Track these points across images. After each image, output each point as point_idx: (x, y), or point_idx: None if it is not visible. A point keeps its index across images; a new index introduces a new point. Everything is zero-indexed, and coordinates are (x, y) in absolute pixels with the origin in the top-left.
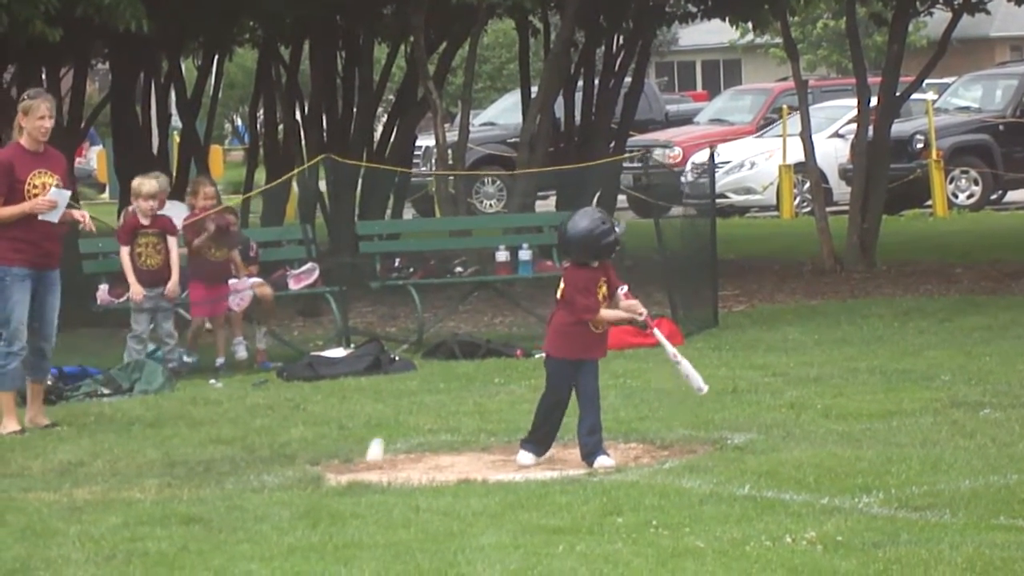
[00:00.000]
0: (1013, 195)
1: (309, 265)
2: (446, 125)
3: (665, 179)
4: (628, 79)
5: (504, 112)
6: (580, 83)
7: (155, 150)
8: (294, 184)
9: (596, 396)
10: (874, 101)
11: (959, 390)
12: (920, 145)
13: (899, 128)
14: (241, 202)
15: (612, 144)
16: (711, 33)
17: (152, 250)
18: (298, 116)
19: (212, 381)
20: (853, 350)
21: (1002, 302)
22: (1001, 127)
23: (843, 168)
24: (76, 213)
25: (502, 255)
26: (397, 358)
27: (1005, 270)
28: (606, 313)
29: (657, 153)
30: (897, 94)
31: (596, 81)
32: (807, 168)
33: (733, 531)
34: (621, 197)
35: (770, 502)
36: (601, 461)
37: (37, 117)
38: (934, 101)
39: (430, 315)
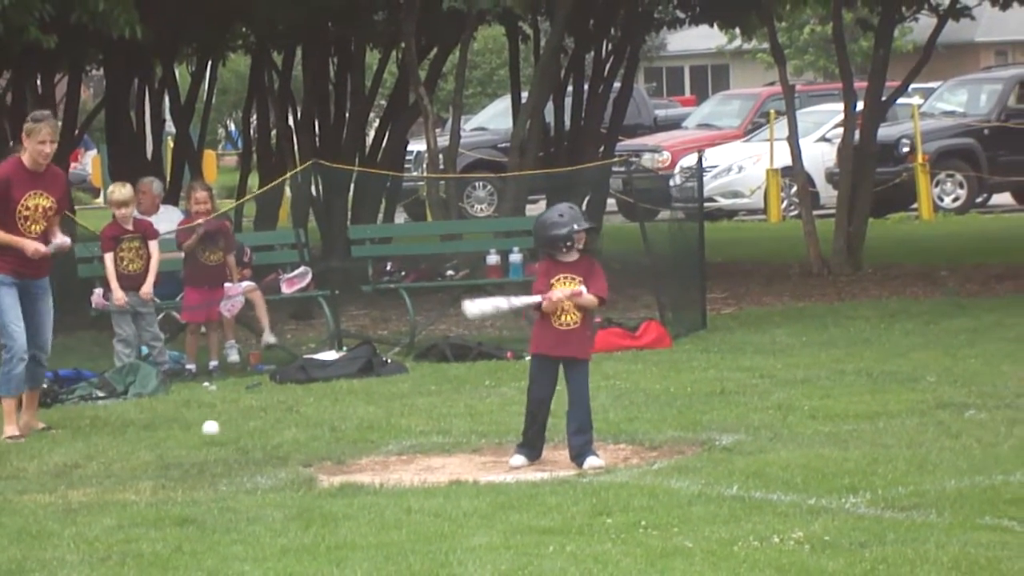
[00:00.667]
0: (998, 198)
1: (302, 269)
2: (437, 130)
3: (653, 183)
4: (617, 84)
5: (495, 117)
6: (570, 88)
7: (149, 155)
8: (287, 188)
9: (584, 397)
10: (860, 105)
11: (944, 391)
12: (906, 149)
13: (885, 132)
14: (235, 208)
15: (601, 149)
16: (699, 39)
17: (134, 255)
18: (291, 121)
19: (206, 384)
20: (840, 352)
21: (987, 304)
22: (986, 131)
23: (830, 172)
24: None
25: (493, 258)
26: (389, 361)
27: (990, 272)
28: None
29: (646, 157)
30: (883, 98)
31: (585, 86)
32: (794, 172)
33: (721, 531)
34: (610, 201)
35: (758, 502)
36: (591, 462)
37: (38, 141)
38: (920, 105)
39: (422, 318)
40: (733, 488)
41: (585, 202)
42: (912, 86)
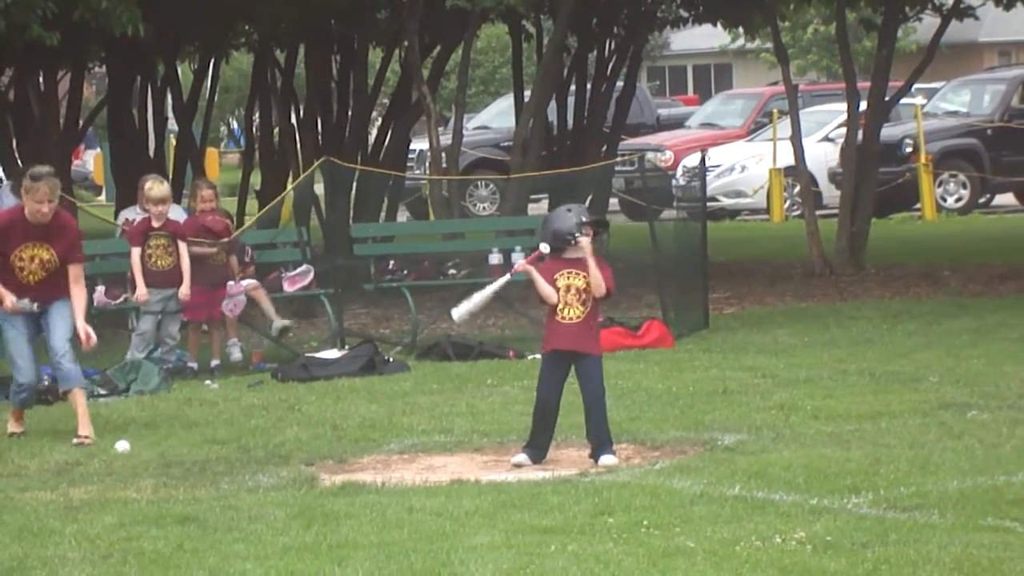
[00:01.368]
0: (1001, 199)
1: (304, 267)
2: (440, 129)
3: (657, 182)
4: (620, 83)
5: (497, 116)
6: (572, 87)
7: (152, 153)
8: (289, 186)
9: (600, 400)
10: (864, 105)
11: (947, 392)
12: (909, 149)
13: (888, 132)
14: (255, 221)
15: (604, 148)
16: (702, 38)
17: (163, 252)
18: (293, 119)
19: (208, 382)
20: (842, 352)
21: (989, 304)
22: (989, 131)
23: (833, 172)
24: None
25: (495, 257)
26: (391, 359)
27: (992, 273)
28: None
29: (648, 157)
30: (886, 98)
31: (588, 85)
32: (797, 172)
33: (723, 531)
34: (613, 200)
35: (760, 502)
36: (605, 460)
37: (35, 200)
38: (923, 105)
39: (424, 317)
40: (735, 488)
41: (588, 201)
42: (915, 86)
